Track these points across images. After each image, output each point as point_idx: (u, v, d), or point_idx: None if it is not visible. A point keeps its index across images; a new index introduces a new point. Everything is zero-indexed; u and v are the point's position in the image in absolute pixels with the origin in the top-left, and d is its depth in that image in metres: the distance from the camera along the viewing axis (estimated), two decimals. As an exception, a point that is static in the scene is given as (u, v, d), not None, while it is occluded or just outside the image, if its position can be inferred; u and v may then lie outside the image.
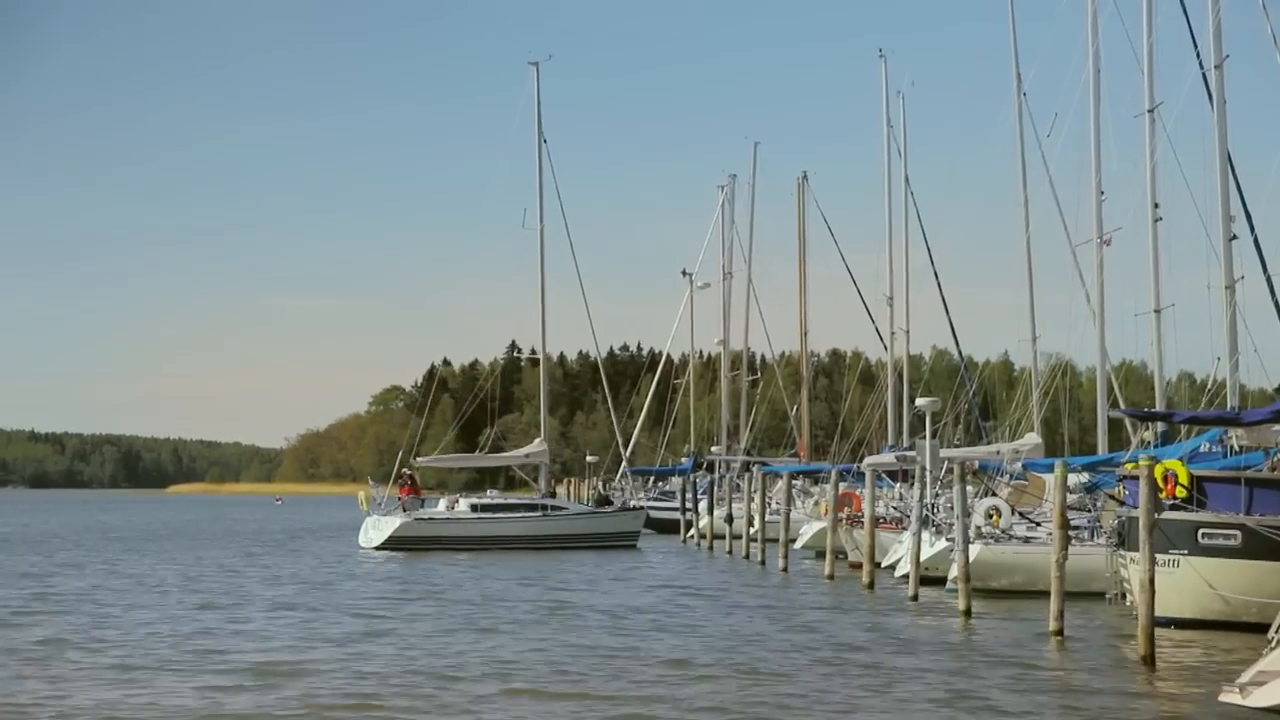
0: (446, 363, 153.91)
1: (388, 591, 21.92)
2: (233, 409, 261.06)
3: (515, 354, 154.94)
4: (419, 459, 37.01)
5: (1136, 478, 17.87)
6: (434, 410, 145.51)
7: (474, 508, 34.74)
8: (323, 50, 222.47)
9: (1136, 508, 16.92)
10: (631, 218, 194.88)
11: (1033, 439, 32.70)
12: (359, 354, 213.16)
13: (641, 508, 38.81)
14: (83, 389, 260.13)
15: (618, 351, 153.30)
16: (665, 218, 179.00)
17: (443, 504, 35.60)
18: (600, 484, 40.96)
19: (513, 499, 37.64)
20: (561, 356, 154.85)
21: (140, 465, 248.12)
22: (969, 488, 28.74)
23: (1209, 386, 22.88)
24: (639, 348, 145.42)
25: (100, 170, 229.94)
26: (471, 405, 43.23)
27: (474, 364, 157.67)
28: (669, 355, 62.50)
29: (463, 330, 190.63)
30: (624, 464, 42.59)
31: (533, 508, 35.49)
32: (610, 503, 38.83)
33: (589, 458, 58.75)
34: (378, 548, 33.19)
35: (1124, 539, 16.80)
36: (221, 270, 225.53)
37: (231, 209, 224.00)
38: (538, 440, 38.26)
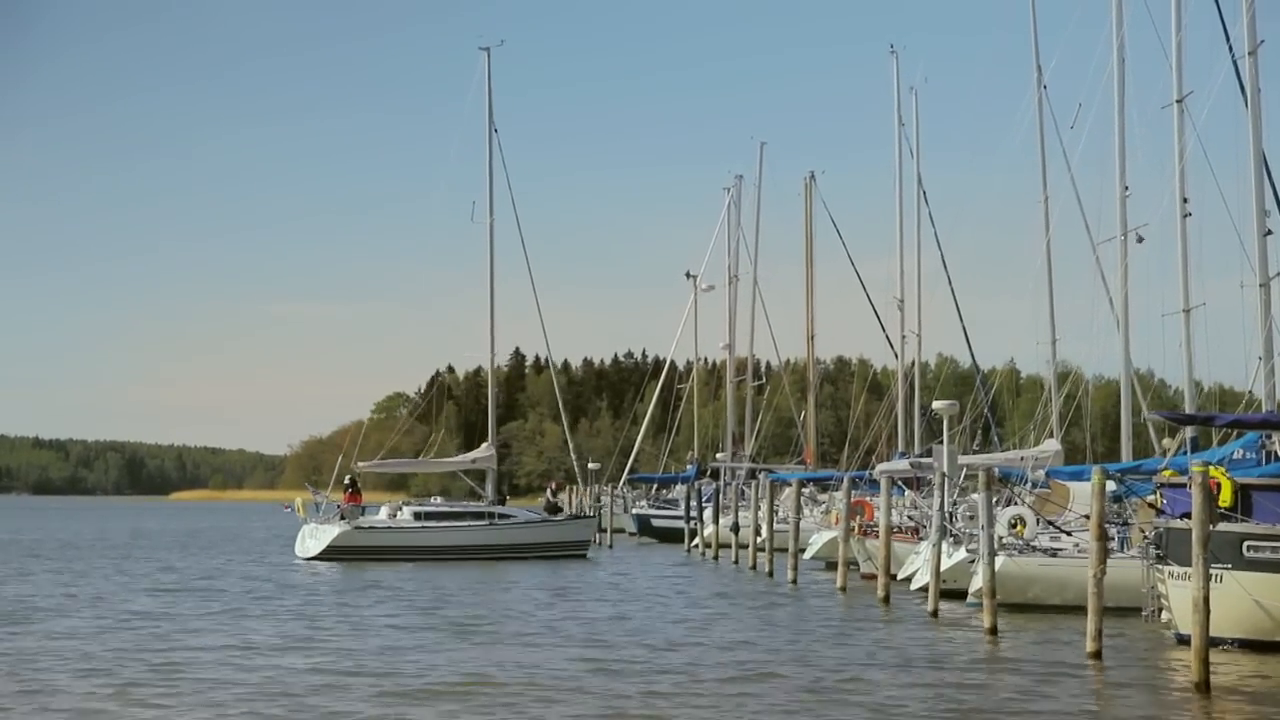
0: (450, 369, 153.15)
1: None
2: (236, 416, 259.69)
3: (520, 360, 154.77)
4: (361, 464, 35.13)
5: (1175, 485, 16.74)
6: (438, 417, 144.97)
7: (417, 516, 33.08)
8: (325, 53, 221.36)
9: (1176, 517, 15.77)
10: (636, 221, 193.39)
11: (1052, 446, 31.48)
12: (362, 360, 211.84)
13: (593, 515, 36.82)
14: (86, 396, 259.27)
15: (622, 358, 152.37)
16: (671, 221, 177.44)
17: (384, 512, 33.77)
18: (550, 491, 38.87)
19: (458, 507, 35.80)
20: (566, 363, 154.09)
21: (144, 472, 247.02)
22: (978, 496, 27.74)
23: (1247, 392, 21.61)
24: (644, 354, 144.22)
25: (101, 176, 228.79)
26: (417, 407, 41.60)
27: (478, 371, 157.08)
28: (673, 361, 61.35)
29: (466, 336, 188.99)
30: (572, 460, 40.68)
31: (479, 516, 33.87)
32: (560, 510, 36.89)
33: (590, 465, 57.48)
34: (314, 558, 31.51)
35: (1163, 552, 15.57)
36: (224, 277, 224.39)
37: (232, 215, 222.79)
38: (484, 445, 36.46)
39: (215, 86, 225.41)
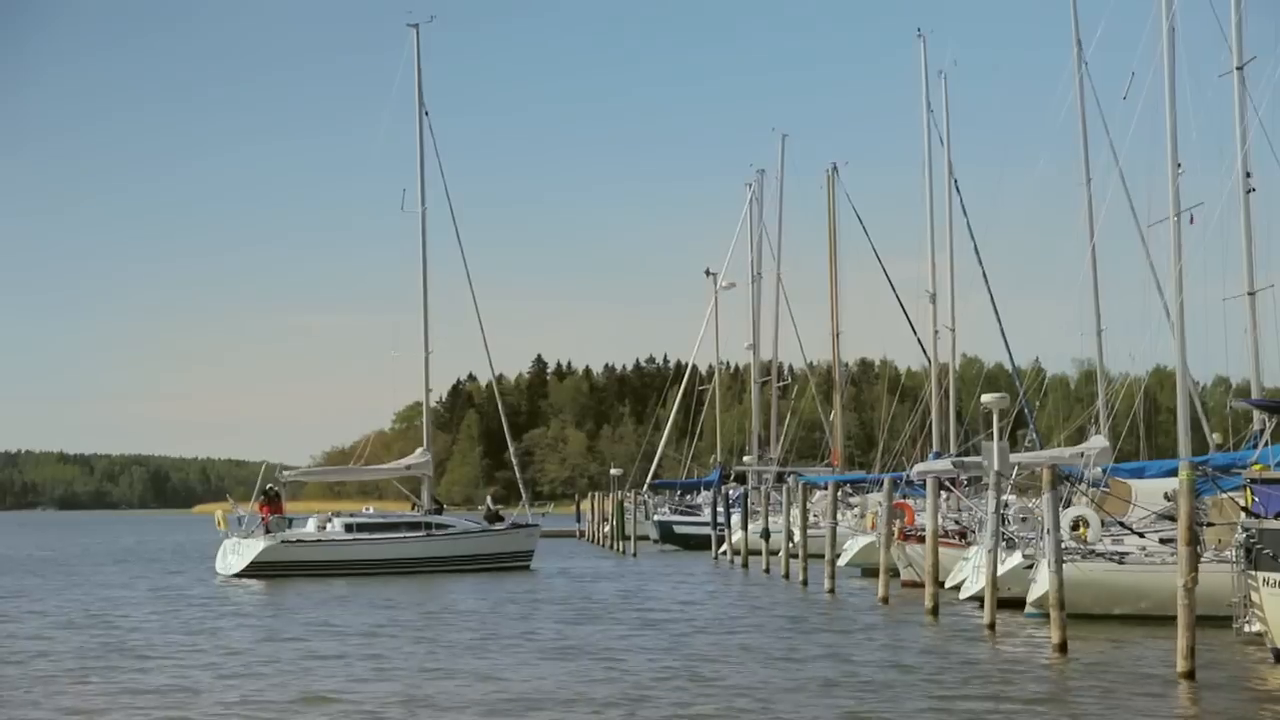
0: (472, 378, 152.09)
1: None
2: (259, 428, 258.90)
3: (542, 367, 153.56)
4: (286, 472, 32.57)
5: (1270, 480, 15.02)
6: (460, 426, 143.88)
7: (349, 527, 31.02)
8: (345, 63, 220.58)
9: (1271, 516, 14.06)
10: (656, 224, 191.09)
11: (1099, 442, 29.68)
12: (382, 370, 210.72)
13: (536, 524, 34.53)
14: (110, 410, 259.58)
15: (644, 363, 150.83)
16: (692, 223, 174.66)
17: (311, 524, 31.53)
18: (490, 498, 36.23)
19: (393, 517, 33.79)
20: (588, 370, 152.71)
21: (168, 485, 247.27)
22: (1017, 497, 25.88)
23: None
24: (665, 359, 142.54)
25: (119, 187, 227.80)
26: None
27: (499, 379, 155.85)
28: (694, 366, 59.64)
29: (488, 344, 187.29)
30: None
31: (415, 526, 31.81)
32: (501, 519, 34.51)
33: (613, 471, 55.92)
34: (238, 574, 29.48)
35: (1256, 557, 13.82)
36: (244, 289, 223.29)
37: (250, 224, 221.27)
38: (420, 450, 34.14)
39: (233, 93, 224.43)
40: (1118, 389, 29.92)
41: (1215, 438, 30.34)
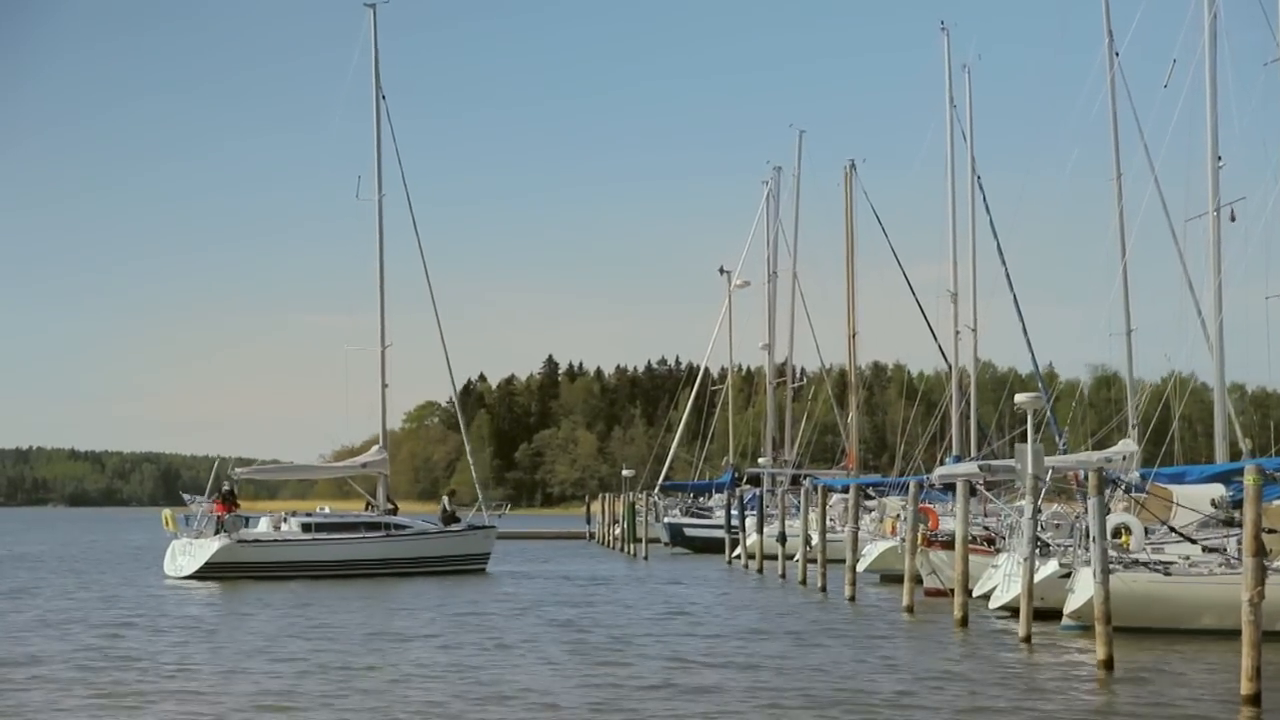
0: (483, 378, 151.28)
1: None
2: (270, 426, 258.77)
3: (553, 368, 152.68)
4: (239, 470, 31.03)
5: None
6: (470, 426, 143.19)
7: (306, 527, 29.98)
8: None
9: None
10: (670, 224, 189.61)
11: (1128, 446, 28.64)
12: (393, 369, 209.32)
13: (493, 525, 33.27)
14: (122, 408, 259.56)
15: (656, 365, 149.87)
16: (707, 223, 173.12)
17: (264, 523, 30.41)
18: (447, 498, 34.92)
19: (350, 517, 32.69)
20: (599, 370, 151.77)
21: (179, 483, 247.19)
22: (1050, 505, 24.89)
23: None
24: (677, 361, 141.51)
25: (116, 183, 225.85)
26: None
27: (510, 379, 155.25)
28: (707, 368, 58.68)
29: (499, 344, 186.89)
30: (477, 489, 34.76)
31: (374, 526, 30.77)
32: (458, 520, 33.21)
33: (624, 472, 54.98)
34: (190, 576, 28.30)
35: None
36: (249, 283, 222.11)
37: (240, 219, 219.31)
38: (375, 448, 33.05)
39: (237, 87, 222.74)
40: (1158, 391, 28.80)
41: (1246, 443, 29.38)
